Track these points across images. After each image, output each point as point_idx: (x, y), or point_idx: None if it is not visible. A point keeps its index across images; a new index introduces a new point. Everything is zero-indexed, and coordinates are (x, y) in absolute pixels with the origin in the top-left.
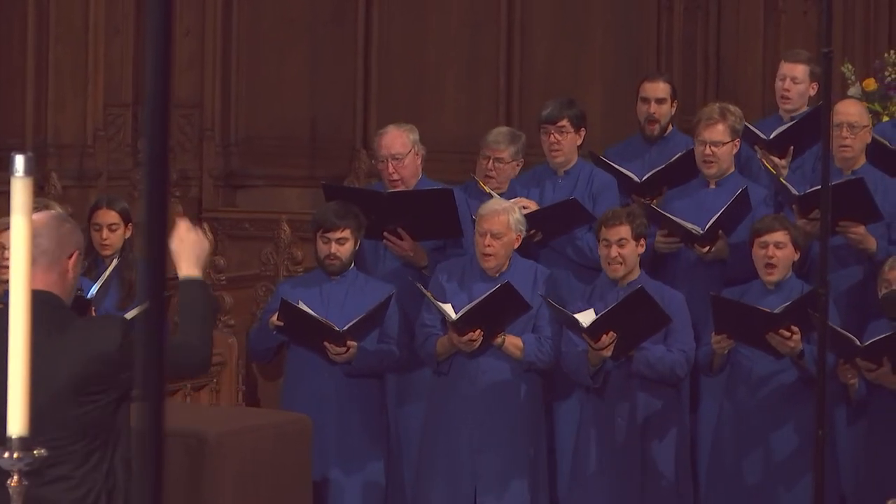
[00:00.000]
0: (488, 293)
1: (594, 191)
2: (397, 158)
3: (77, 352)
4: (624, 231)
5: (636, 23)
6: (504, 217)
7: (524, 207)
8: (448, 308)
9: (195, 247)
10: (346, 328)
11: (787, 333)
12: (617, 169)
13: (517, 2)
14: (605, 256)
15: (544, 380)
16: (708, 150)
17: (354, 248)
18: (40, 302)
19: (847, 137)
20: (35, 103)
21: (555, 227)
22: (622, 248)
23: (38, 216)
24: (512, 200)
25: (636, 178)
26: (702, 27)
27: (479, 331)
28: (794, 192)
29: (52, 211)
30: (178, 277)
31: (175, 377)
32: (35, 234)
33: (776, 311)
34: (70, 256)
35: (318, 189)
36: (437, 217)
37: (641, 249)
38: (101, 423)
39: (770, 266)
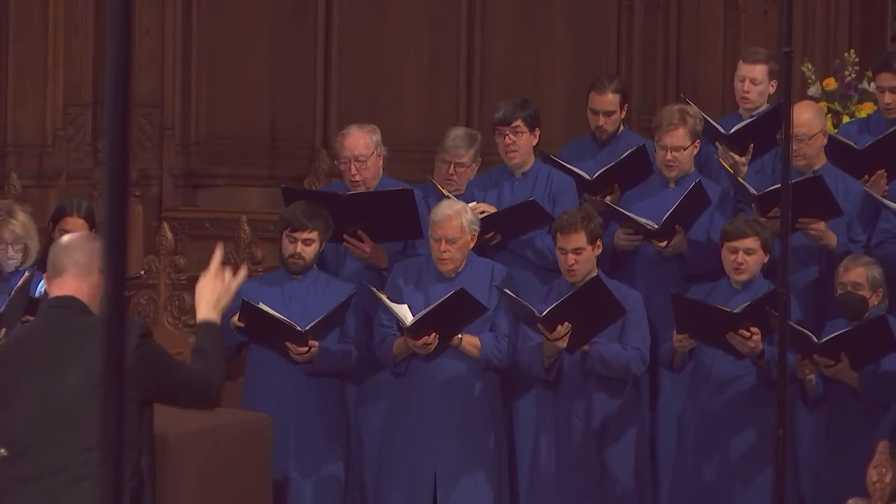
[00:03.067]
0: (442, 300)
1: (553, 192)
2: (360, 160)
3: (94, 351)
4: (579, 239)
5: (596, 21)
6: (457, 221)
7: (482, 213)
8: (404, 309)
9: (218, 292)
10: (308, 328)
11: (747, 333)
12: (568, 168)
13: (477, 0)
14: (563, 263)
15: (502, 378)
16: (669, 156)
17: (319, 249)
18: (68, 306)
19: (797, 147)
20: None
21: (514, 229)
22: (578, 256)
23: (74, 234)
24: (470, 205)
25: (587, 177)
26: (662, 26)
27: (434, 334)
28: (753, 191)
29: (86, 231)
30: (137, 277)
31: (185, 403)
32: (72, 248)
33: (736, 310)
34: (102, 271)
35: (279, 189)
36: (398, 218)
37: (598, 251)
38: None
39: (738, 270)
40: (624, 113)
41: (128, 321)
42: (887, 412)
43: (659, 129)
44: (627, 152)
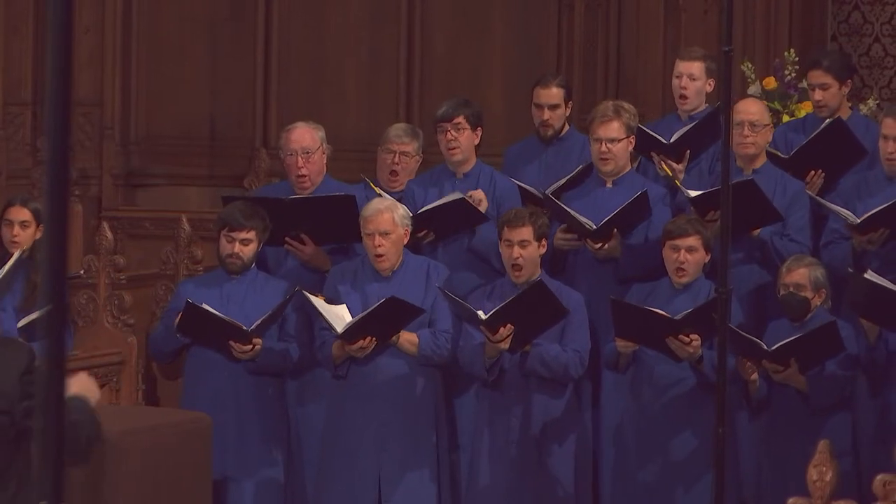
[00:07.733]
0: (373, 308)
1: (497, 197)
2: (307, 153)
3: None
4: (526, 232)
5: (536, 20)
6: (388, 214)
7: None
8: (342, 309)
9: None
10: (253, 327)
11: (687, 339)
12: (521, 185)
13: None
14: (508, 257)
15: (443, 374)
16: (604, 148)
17: (257, 249)
18: None
19: (749, 136)
20: None
21: (447, 227)
22: (524, 250)
23: None
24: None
25: (538, 193)
26: (602, 25)
27: (370, 338)
28: (690, 194)
29: None
30: (77, 276)
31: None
32: None
33: (676, 317)
34: None
35: (218, 188)
36: (340, 222)
37: (543, 250)
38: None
39: (680, 270)
40: (569, 110)
41: (16, 344)
42: (828, 413)
43: (593, 122)
44: (577, 169)
